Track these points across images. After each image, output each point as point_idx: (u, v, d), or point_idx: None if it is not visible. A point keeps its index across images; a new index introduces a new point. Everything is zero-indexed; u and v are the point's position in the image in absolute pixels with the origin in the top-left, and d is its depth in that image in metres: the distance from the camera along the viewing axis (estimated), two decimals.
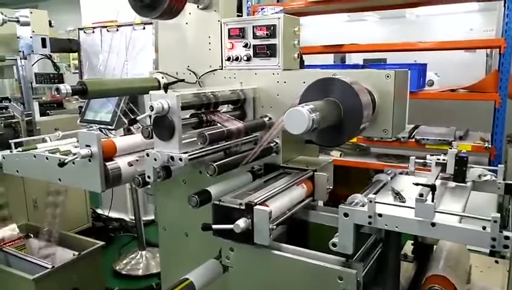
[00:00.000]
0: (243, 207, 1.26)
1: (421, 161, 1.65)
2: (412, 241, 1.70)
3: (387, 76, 1.40)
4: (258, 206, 1.24)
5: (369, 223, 1.16)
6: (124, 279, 3.33)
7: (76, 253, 2.64)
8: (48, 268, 2.45)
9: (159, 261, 2.18)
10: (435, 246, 1.60)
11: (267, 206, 1.28)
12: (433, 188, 1.16)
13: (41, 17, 3.37)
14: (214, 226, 1.29)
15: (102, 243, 2.80)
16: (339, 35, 4.63)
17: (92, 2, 3.93)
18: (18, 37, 3.30)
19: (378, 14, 5.20)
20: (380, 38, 4.81)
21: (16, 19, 3.17)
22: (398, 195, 1.29)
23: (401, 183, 1.50)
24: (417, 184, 1.21)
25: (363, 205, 1.21)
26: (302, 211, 1.58)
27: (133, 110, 2.56)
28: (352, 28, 5.37)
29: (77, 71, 4.04)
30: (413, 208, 1.15)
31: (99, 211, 4.39)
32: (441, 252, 1.52)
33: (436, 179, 1.41)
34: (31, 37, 3.26)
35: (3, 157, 1.92)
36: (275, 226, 1.26)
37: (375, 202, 1.16)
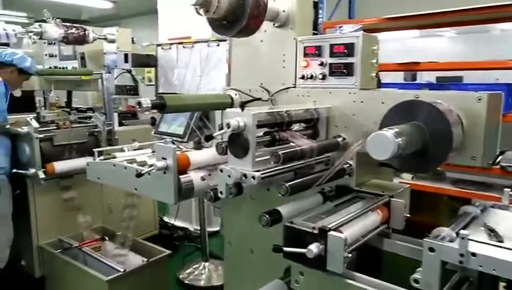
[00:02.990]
0: (316, 231, 1.21)
1: None
2: (505, 284, 1.51)
3: (479, 99, 1.28)
4: (332, 232, 1.19)
5: (460, 262, 1.05)
6: (187, 288, 3.39)
7: (145, 259, 2.75)
8: (120, 271, 2.57)
9: (223, 275, 2.19)
10: None
11: (341, 232, 1.22)
12: None
13: (126, 34, 3.64)
14: (285, 249, 1.26)
15: (169, 251, 2.89)
16: (408, 51, 4.41)
17: (169, 19, 4.18)
18: (104, 53, 3.59)
19: (455, 30, 4.89)
20: (453, 54, 4.51)
21: (104, 37, 3.45)
22: (493, 233, 1.15)
23: (495, 219, 1.34)
24: None
25: (451, 241, 1.10)
26: (375, 238, 1.49)
27: (205, 124, 2.63)
28: (423, 43, 5.10)
29: (151, 83, 4.29)
30: None
31: (165, 219, 4.55)
32: None
33: None
34: (115, 53, 3.53)
35: (88, 164, 2.06)
36: (349, 255, 1.19)
37: (468, 239, 1.05)
